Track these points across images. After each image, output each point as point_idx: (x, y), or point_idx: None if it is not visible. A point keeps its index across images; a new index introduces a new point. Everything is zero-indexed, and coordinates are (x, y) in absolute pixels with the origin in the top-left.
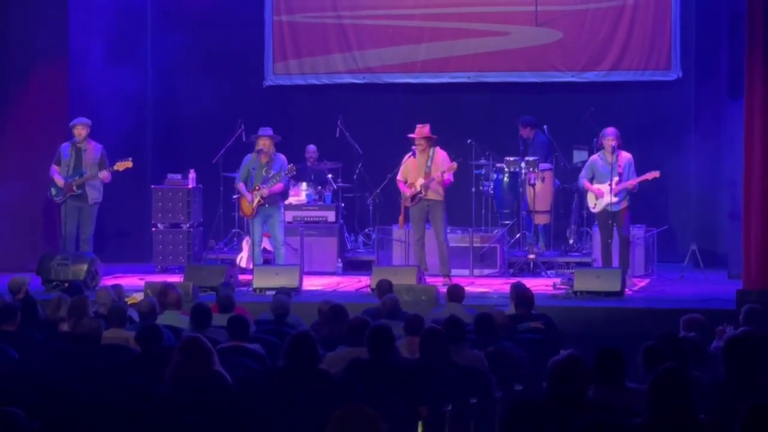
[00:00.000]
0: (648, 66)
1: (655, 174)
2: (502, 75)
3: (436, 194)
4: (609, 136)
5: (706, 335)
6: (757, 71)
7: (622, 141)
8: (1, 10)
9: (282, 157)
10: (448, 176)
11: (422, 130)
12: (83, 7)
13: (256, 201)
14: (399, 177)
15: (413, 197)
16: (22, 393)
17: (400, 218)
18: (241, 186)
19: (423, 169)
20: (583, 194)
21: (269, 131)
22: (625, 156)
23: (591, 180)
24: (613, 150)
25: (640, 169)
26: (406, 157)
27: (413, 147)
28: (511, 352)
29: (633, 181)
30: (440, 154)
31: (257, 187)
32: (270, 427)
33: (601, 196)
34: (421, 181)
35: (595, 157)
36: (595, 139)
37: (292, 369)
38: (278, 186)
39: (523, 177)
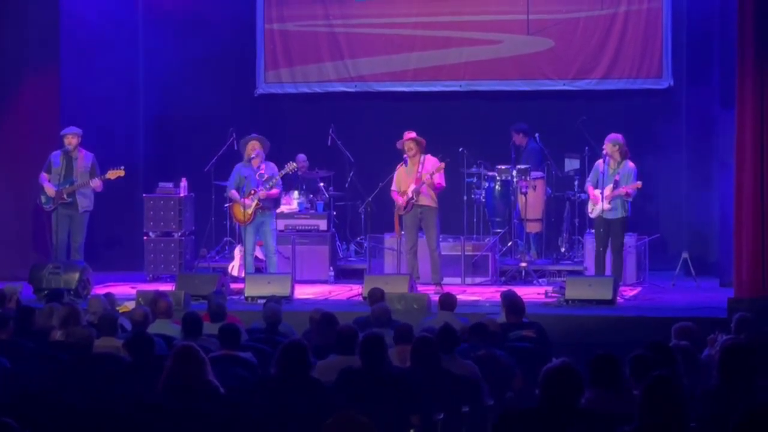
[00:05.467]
0: (639, 74)
1: (637, 184)
2: (494, 83)
3: (429, 200)
4: (606, 142)
5: (698, 343)
6: (748, 80)
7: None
8: None
9: (272, 164)
10: (439, 179)
11: (408, 134)
12: (75, 15)
13: (254, 205)
14: (393, 187)
15: (406, 204)
16: (13, 402)
17: (396, 226)
18: (234, 193)
19: (414, 175)
20: (574, 203)
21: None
22: (629, 165)
23: (596, 184)
24: (615, 158)
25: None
26: (398, 167)
27: (405, 156)
28: (502, 358)
29: (621, 190)
30: (430, 160)
31: (253, 191)
32: None
33: (597, 202)
34: (412, 186)
35: (599, 161)
36: (587, 147)
37: (283, 377)
38: (275, 190)
39: (515, 185)
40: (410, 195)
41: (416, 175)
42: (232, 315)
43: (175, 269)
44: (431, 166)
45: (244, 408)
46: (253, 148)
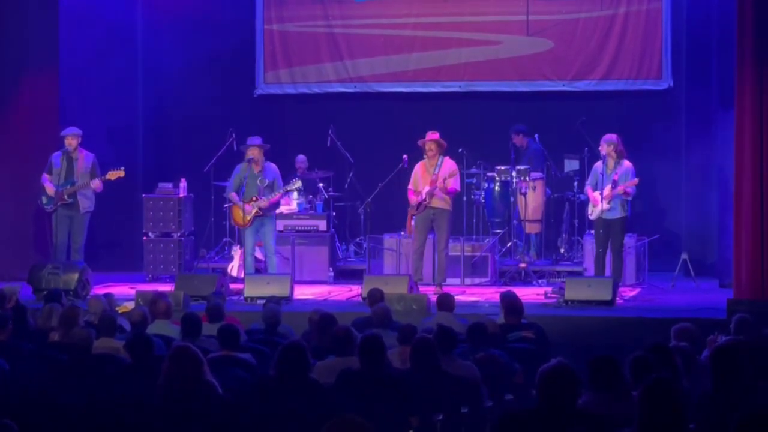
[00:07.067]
0: (639, 75)
1: (634, 181)
2: (494, 84)
3: (442, 203)
4: (602, 143)
5: (697, 345)
6: (747, 81)
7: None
8: None
9: (273, 166)
10: (453, 184)
11: (432, 135)
12: (74, 16)
13: (253, 212)
14: (410, 186)
15: (418, 205)
16: (12, 403)
17: (408, 225)
18: (234, 195)
19: (430, 177)
20: (573, 203)
21: (258, 140)
22: (625, 164)
23: (595, 187)
24: (612, 157)
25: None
26: (417, 166)
27: (405, 157)
28: (500, 359)
29: (620, 188)
30: (447, 163)
31: (254, 198)
32: None
33: (596, 204)
34: (426, 188)
35: (597, 163)
36: (586, 148)
37: (282, 379)
38: (277, 197)
39: (515, 186)
40: (423, 197)
41: (431, 177)
42: (232, 316)
43: (175, 270)
44: (447, 170)
45: (242, 409)
46: (253, 152)
